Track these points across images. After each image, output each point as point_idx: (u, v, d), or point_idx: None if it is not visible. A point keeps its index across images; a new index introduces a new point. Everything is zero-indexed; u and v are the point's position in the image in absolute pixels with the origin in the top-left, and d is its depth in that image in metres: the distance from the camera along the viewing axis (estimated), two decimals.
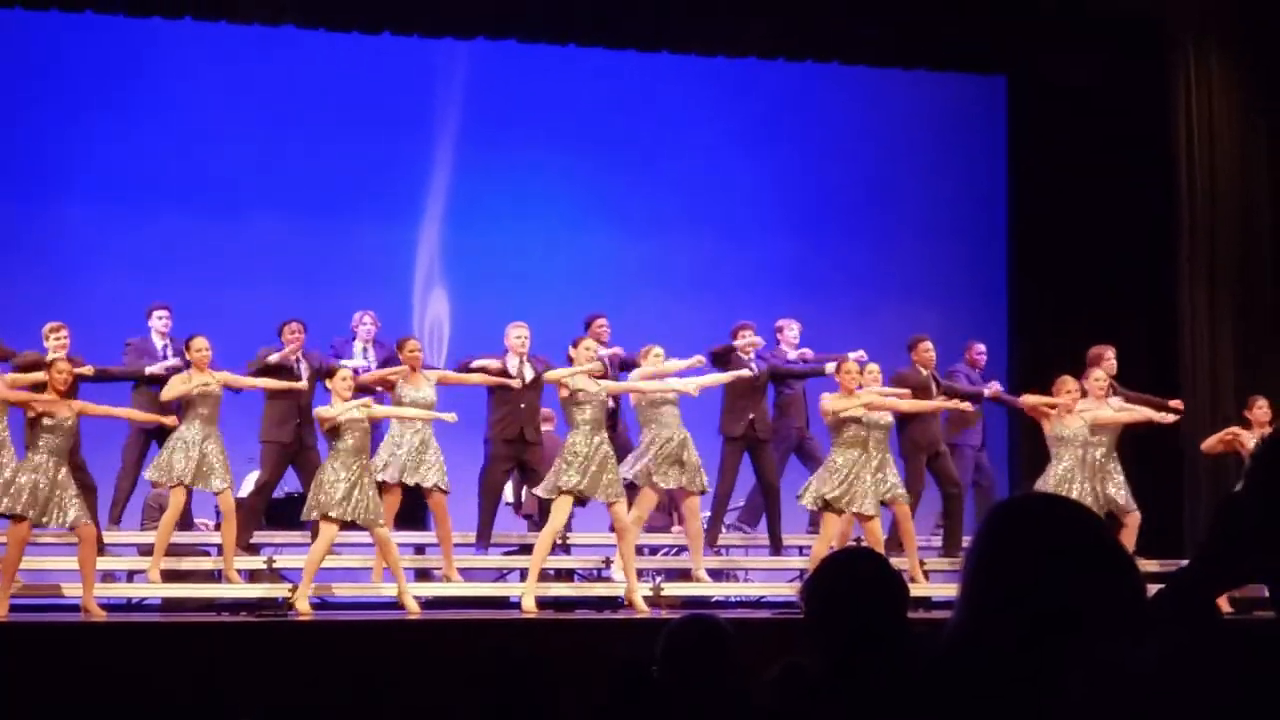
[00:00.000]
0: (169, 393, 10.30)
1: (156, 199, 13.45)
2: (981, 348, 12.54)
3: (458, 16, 13.11)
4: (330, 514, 9.75)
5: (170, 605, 10.33)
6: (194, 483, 10.15)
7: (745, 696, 3.62)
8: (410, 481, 10.46)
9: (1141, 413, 11.33)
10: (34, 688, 8.13)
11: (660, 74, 14.16)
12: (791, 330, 12.16)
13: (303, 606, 9.71)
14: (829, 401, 10.65)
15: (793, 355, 12.04)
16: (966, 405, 11.65)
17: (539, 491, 10.44)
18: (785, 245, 14.55)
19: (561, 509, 10.12)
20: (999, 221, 14.56)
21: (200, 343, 10.42)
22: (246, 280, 13.20)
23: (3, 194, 13.24)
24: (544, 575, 11.42)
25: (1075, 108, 13.73)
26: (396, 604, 10.14)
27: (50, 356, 10.08)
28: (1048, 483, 10.79)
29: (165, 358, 11.10)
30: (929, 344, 11.94)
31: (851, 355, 11.08)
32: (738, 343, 11.62)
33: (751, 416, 11.60)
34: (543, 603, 10.56)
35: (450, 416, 10.55)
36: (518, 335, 11.24)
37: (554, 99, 14.16)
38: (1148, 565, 10.17)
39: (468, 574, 11.31)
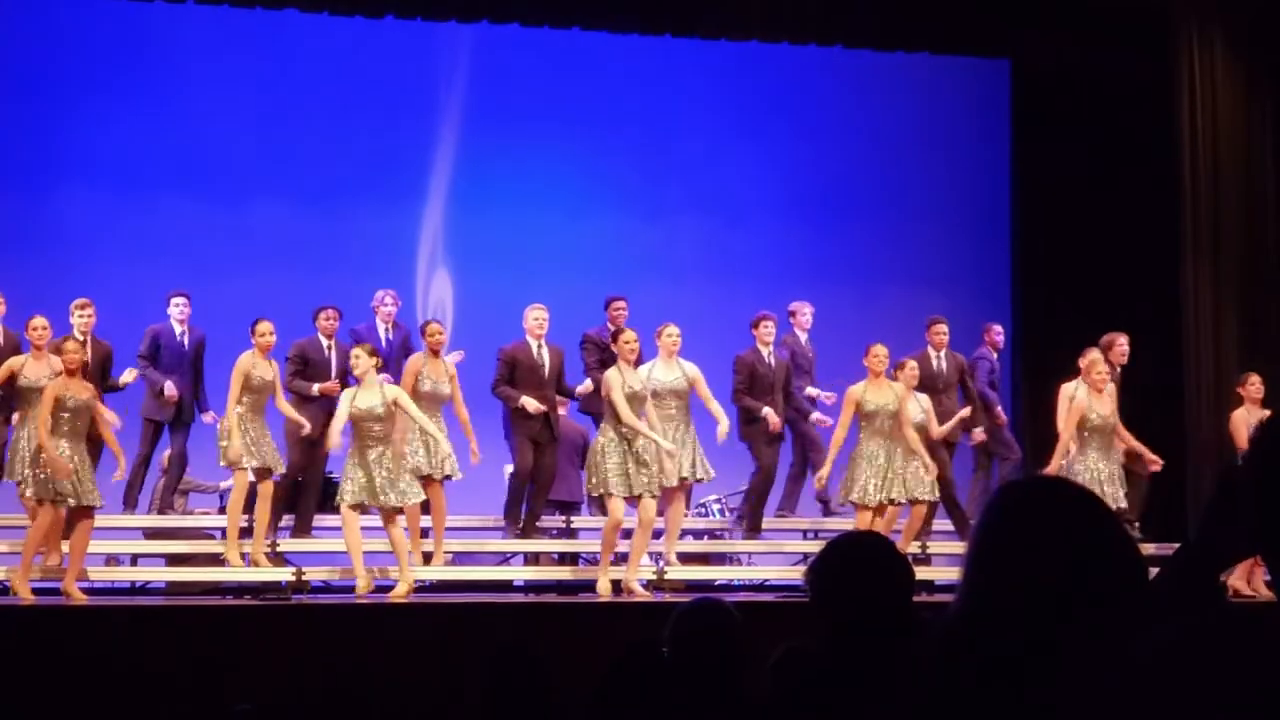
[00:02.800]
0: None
1: (157, 185, 13.43)
2: (999, 329, 12.49)
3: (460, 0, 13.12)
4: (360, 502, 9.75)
5: (174, 589, 10.35)
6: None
7: (751, 680, 3.63)
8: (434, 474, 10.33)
9: (1129, 442, 11.23)
10: (37, 670, 8.15)
11: (663, 57, 14.14)
12: (804, 315, 12.09)
13: (362, 586, 9.69)
14: (859, 391, 10.56)
15: (807, 346, 11.99)
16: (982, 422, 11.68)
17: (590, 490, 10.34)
18: (789, 229, 14.53)
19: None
20: (1002, 207, 14.55)
21: (265, 326, 10.33)
22: (249, 265, 13.20)
23: (3, 182, 13.23)
24: (548, 559, 11.46)
25: (1079, 94, 13.72)
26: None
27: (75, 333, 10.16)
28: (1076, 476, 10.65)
29: (184, 346, 11.05)
30: (943, 326, 11.87)
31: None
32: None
33: (765, 412, 11.46)
34: (545, 586, 10.59)
35: (473, 453, 10.28)
36: (535, 318, 11.05)
37: (557, 82, 14.15)
38: (1150, 549, 10.17)
39: (475, 558, 11.34)
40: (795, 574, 10.67)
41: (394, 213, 13.95)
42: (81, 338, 10.27)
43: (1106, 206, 13.72)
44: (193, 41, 13.41)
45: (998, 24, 13.73)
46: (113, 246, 13.19)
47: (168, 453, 11.16)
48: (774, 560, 11.93)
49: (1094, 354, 11.13)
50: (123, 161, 13.39)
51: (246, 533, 10.18)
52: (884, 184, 14.72)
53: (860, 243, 14.64)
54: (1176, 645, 1.47)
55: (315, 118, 13.74)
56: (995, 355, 12.40)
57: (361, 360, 9.83)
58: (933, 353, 11.81)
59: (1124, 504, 10.85)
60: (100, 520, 10.34)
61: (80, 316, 10.44)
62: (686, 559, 11.30)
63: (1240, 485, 2.11)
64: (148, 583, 10.67)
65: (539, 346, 11.03)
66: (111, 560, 10.99)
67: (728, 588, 11.47)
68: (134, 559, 11.12)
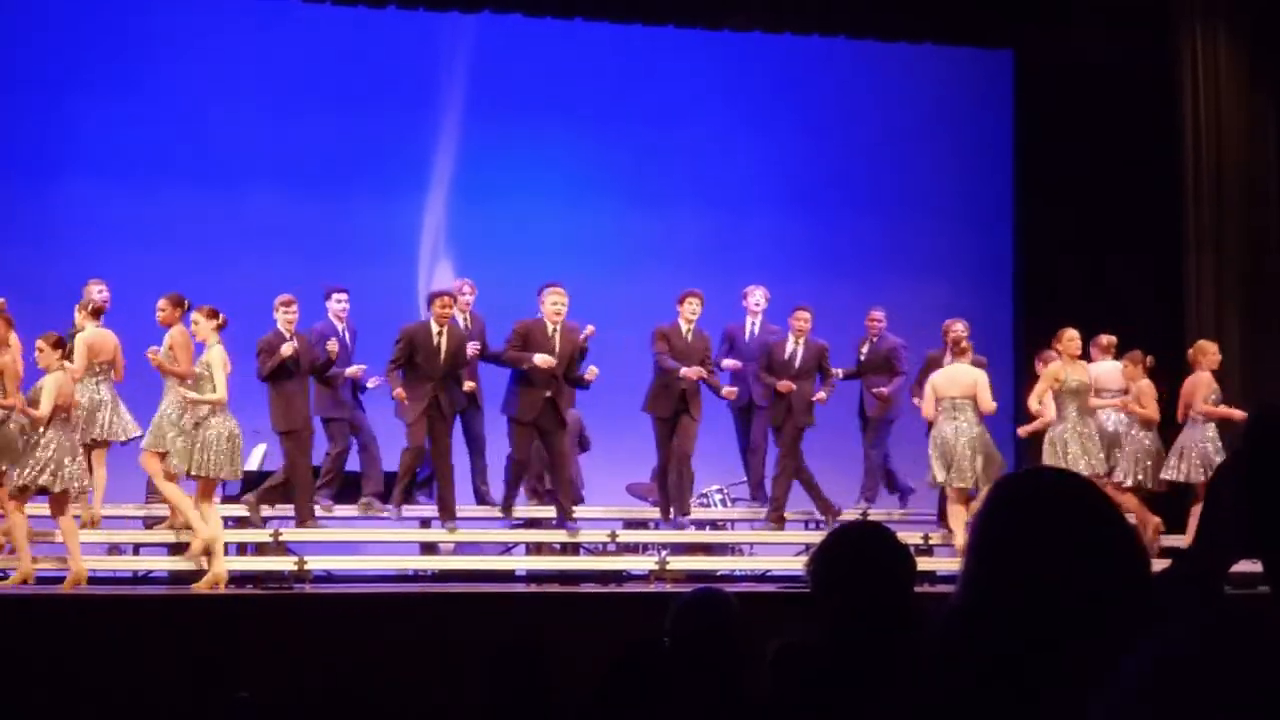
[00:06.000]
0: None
1: (158, 175, 13.42)
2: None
3: None
4: None
5: (176, 579, 10.35)
6: None
7: (751, 671, 3.64)
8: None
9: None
10: (34, 662, 8.16)
11: (666, 48, 14.12)
12: (754, 296, 11.96)
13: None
14: (1057, 369, 11.03)
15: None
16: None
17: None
18: (792, 221, 14.52)
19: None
20: (1005, 199, 14.54)
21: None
22: (249, 255, 13.18)
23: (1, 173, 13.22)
24: (550, 550, 11.47)
25: (1082, 88, 13.70)
26: (398, 577, 10.18)
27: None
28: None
29: (345, 342, 11.18)
30: (804, 313, 11.57)
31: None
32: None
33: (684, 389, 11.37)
34: (548, 576, 10.61)
35: None
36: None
37: (559, 73, 14.14)
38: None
39: (474, 547, 11.35)
40: (797, 564, 10.68)
41: (396, 203, 13.94)
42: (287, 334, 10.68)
43: (1109, 201, 13.71)
44: (194, 30, 13.39)
45: (998, 20, 13.74)
46: (111, 235, 13.16)
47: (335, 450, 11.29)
48: (776, 550, 11.94)
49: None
50: (122, 150, 13.36)
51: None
52: (887, 175, 14.71)
53: (863, 234, 14.63)
54: (1176, 644, 1.47)
55: (317, 108, 13.73)
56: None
57: (45, 353, 9.80)
58: (791, 339, 11.60)
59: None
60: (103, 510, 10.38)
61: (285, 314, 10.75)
62: (688, 549, 11.30)
63: (1226, 483, 2.12)
64: (149, 572, 10.68)
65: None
66: (113, 550, 10.98)
67: (729, 578, 11.48)
68: (135, 548, 11.11)
